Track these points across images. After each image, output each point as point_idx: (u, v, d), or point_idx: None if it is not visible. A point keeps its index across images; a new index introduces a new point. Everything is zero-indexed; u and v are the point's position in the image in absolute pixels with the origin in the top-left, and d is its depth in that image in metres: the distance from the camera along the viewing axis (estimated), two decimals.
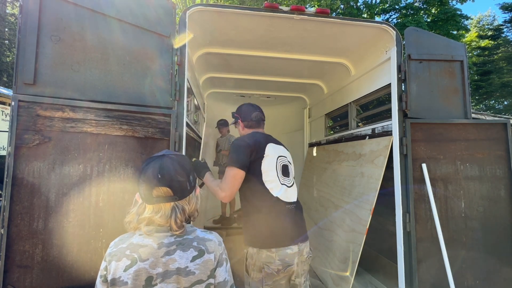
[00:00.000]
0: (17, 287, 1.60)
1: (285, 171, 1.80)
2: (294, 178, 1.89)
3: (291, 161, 1.91)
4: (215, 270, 1.00)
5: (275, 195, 1.69)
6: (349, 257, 2.45)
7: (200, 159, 2.36)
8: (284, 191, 1.73)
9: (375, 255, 2.97)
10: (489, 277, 2.26)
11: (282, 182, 1.74)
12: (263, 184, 1.68)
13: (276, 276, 1.63)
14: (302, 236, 1.74)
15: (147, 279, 0.92)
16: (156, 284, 0.93)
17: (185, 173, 1.02)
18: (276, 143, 1.87)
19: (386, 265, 2.75)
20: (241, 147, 1.70)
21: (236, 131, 2.10)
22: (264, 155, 1.72)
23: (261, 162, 1.70)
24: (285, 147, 1.95)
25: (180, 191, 1.00)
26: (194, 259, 0.97)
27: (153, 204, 0.99)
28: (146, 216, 1.00)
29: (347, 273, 2.42)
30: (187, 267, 0.95)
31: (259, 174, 1.69)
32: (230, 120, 2.23)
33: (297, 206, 1.81)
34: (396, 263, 2.24)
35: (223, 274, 1.02)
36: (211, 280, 0.99)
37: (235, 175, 1.66)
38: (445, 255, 2.10)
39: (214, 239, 1.04)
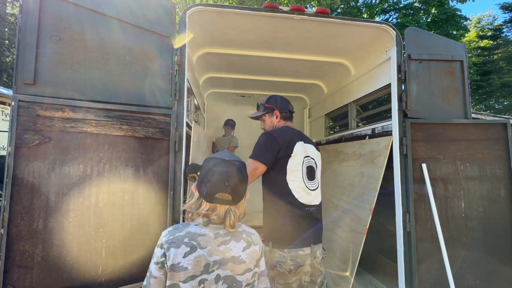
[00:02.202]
0: (17, 287, 1.60)
1: (310, 173, 1.76)
2: (319, 180, 1.84)
3: (318, 162, 1.86)
4: (259, 260, 1.14)
5: (296, 196, 1.67)
6: (349, 257, 2.44)
7: (190, 159, 2.33)
8: (306, 194, 1.71)
9: (375, 255, 2.97)
10: (489, 277, 2.26)
11: (306, 185, 1.72)
12: (286, 184, 1.66)
13: (288, 276, 1.61)
14: (316, 239, 1.73)
15: (205, 265, 1.02)
16: (213, 271, 1.02)
17: (245, 183, 1.14)
18: (306, 142, 1.83)
19: (386, 265, 2.75)
20: (270, 143, 1.68)
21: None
22: (292, 154, 1.69)
23: (287, 161, 1.68)
24: (315, 146, 1.90)
25: (237, 198, 1.11)
26: (244, 249, 1.09)
27: (211, 203, 1.09)
28: (202, 212, 1.10)
29: (347, 273, 2.42)
30: (239, 256, 1.07)
31: (283, 173, 1.67)
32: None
33: (317, 209, 1.77)
34: (396, 263, 2.24)
35: (263, 264, 1.18)
36: (256, 269, 1.12)
37: (257, 169, 1.66)
38: (445, 255, 2.10)
39: (256, 233, 1.19)
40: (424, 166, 2.25)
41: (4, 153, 5.11)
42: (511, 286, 2.26)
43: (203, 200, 1.11)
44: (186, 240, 1.03)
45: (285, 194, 1.66)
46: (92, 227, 1.74)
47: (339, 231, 2.77)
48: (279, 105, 1.93)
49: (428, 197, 2.22)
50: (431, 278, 2.18)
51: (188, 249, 1.01)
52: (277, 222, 1.68)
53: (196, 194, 1.14)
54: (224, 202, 1.09)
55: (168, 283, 1.00)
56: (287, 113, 1.93)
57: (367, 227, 2.30)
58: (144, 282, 1.06)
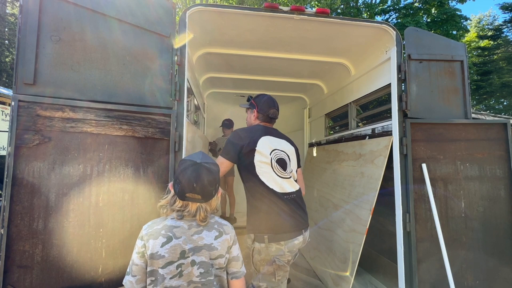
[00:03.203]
0: (17, 287, 1.60)
1: (282, 165, 1.82)
2: (292, 171, 1.89)
3: (291, 155, 1.91)
4: (231, 248, 1.29)
5: (271, 187, 1.73)
6: (349, 257, 2.45)
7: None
8: (280, 182, 1.77)
9: (375, 255, 2.97)
10: (489, 277, 2.26)
11: (278, 175, 1.78)
12: (257, 176, 1.74)
13: (287, 267, 1.73)
14: (304, 224, 1.81)
15: (181, 252, 1.16)
16: (188, 256, 1.17)
17: (214, 183, 1.25)
18: (278, 137, 1.91)
19: (386, 265, 2.75)
20: (233, 140, 1.81)
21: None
22: (256, 149, 1.76)
23: (253, 155, 1.76)
24: (288, 141, 1.98)
25: (207, 197, 1.24)
26: (216, 238, 1.24)
27: (183, 200, 1.23)
28: (176, 208, 1.24)
29: (347, 273, 2.42)
30: (212, 243, 1.22)
31: (252, 167, 1.75)
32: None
33: (297, 195, 1.84)
34: (396, 263, 2.24)
35: (236, 250, 1.32)
36: (227, 255, 1.27)
37: (222, 164, 1.78)
38: (445, 255, 2.10)
39: (228, 224, 1.34)
40: (424, 166, 2.25)
41: (4, 153, 5.11)
42: (511, 286, 2.26)
43: (177, 198, 1.23)
44: (163, 232, 1.18)
45: (260, 186, 1.74)
46: (92, 227, 1.74)
47: (339, 231, 2.77)
48: (260, 105, 1.99)
49: (428, 197, 2.22)
50: (431, 278, 2.18)
51: (165, 239, 1.16)
52: (264, 216, 1.73)
53: (172, 191, 1.27)
54: (195, 200, 1.22)
55: (148, 269, 1.14)
56: (265, 116, 1.98)
57: (367, 227, 2.30)
58: (128, 269, 1.19)
